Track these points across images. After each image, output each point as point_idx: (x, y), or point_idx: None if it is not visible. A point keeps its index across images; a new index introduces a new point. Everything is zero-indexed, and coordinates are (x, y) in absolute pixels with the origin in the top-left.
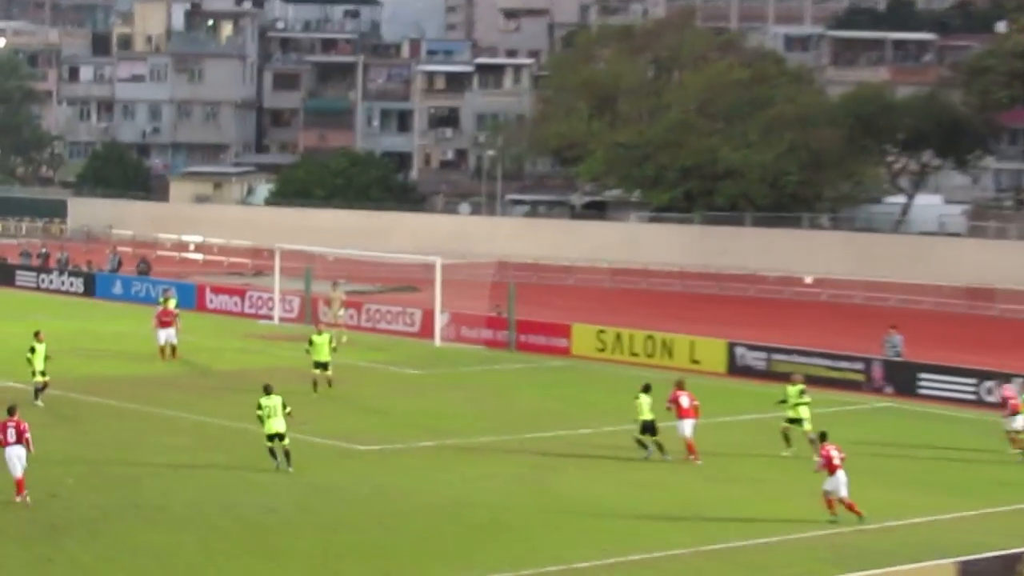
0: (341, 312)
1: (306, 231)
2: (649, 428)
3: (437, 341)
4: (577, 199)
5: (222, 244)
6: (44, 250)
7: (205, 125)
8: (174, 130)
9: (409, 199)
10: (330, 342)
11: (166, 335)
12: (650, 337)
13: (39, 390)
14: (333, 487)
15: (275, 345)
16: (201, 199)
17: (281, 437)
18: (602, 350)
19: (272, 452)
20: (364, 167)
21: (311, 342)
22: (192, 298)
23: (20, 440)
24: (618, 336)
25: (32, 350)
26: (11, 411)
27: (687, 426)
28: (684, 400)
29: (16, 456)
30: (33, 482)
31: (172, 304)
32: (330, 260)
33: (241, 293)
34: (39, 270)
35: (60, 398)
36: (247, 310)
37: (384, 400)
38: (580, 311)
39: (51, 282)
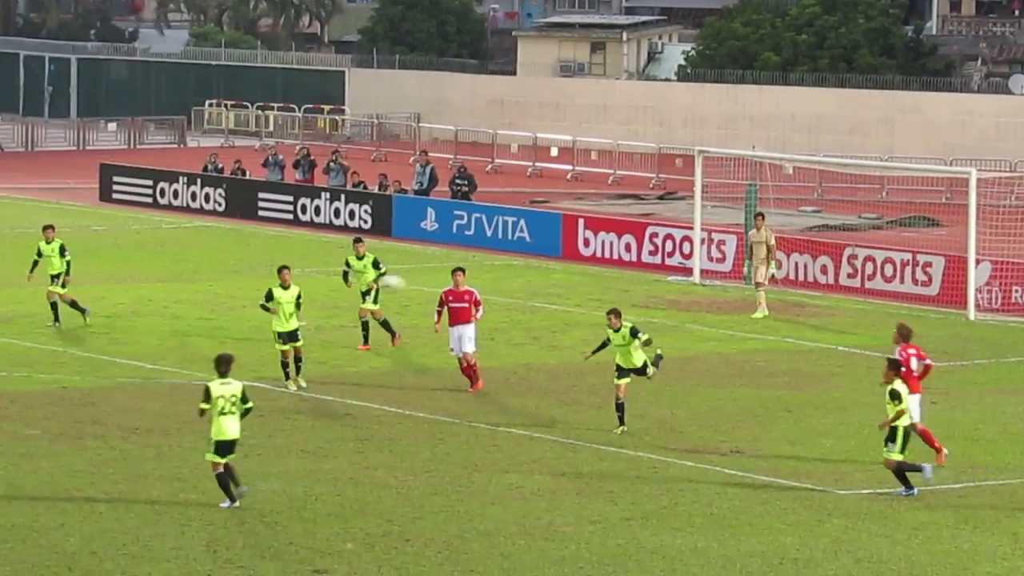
0: (772, 268)
1: (747, 122)
2: None
3: (971, 312)
4: None
5: (605, 146)
6: (304, 152)
7: None
8: None
9: (923, 68)
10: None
11: (460, 337)
12: None
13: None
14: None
15: (697, 318)
16: (569, 69)
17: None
18: None
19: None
20: (847, 14)
21: None
22: (555, 239)
23: None
24: None
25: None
26: None
27: None
28: None
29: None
30: None
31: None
32: (788, 172)
33: (637, 230)
34: (298, 191)
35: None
36: (647, 258)
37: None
38: None
39: (318, 210)
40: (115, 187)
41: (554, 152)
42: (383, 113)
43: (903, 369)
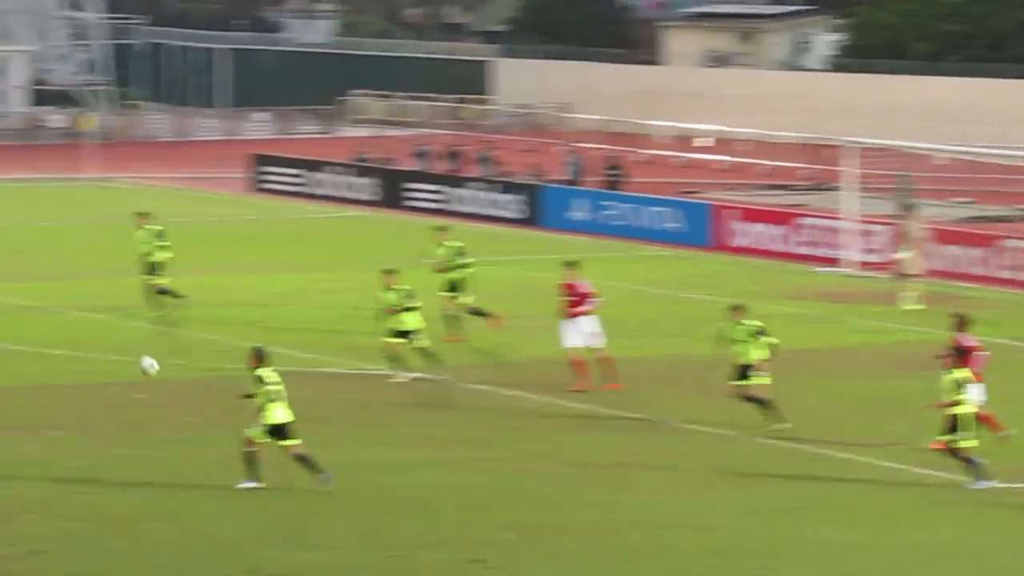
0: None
1: (897, 112)
2: None
3: None
4: None
5: (754, 136)
6: (452, 143)
7: None
8: None
9: None
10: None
11: (579, 329)
12: None
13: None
14: None
15: (849, 310)
16: (717, 59)
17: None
18: None
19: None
20: (999, 3)
21: None
22: (705, 229)
23: None
24: None
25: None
26: None
27: None
28: None
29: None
30: None
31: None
32: (941, 162)
33: (786, 220)
34: (444, 181)
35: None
36: (797, 248)
37: None
38: None
39: (462, 199)
40: (265, 176)
41: (702, 142)
42: (529, 103)
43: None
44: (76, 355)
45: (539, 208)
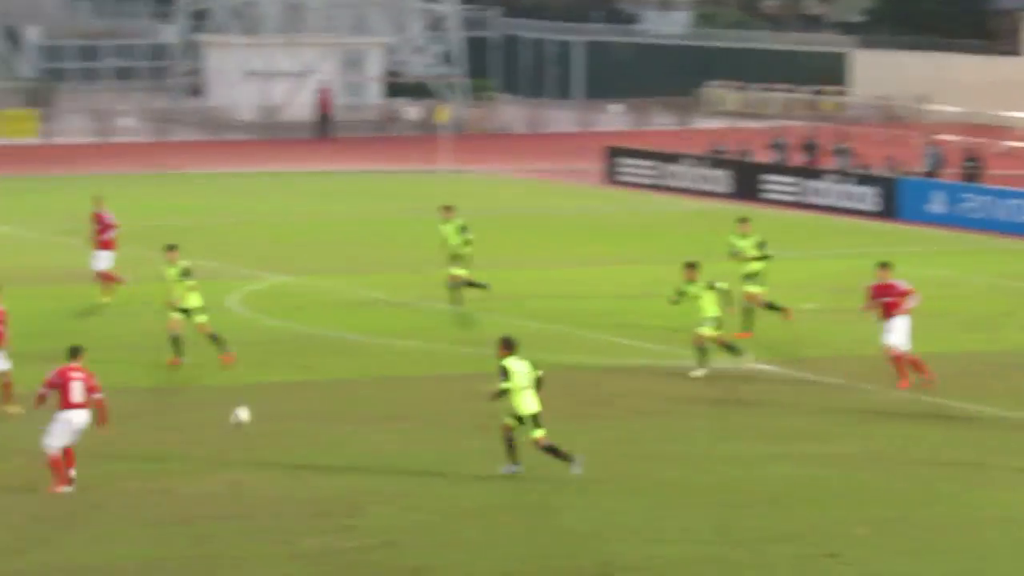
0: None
1: None
2: None
3: None
4: None
5: None
6: (809, 135)
7: None
8: None
9: None
10: None
11: (897, 328)
12: None
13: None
14: None
15: None
16: None
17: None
18: None
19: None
20: None
21: None
22: None
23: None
24: None
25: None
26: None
27: None
28: None
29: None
30: None
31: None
32: None
33: None
34: (799, 173)
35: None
36: None
37: None
38: None
39: (818, 191)
40: (620, 168)
41: None
42: (887, 94)
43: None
44: (427, 346)
45: (896, 201)
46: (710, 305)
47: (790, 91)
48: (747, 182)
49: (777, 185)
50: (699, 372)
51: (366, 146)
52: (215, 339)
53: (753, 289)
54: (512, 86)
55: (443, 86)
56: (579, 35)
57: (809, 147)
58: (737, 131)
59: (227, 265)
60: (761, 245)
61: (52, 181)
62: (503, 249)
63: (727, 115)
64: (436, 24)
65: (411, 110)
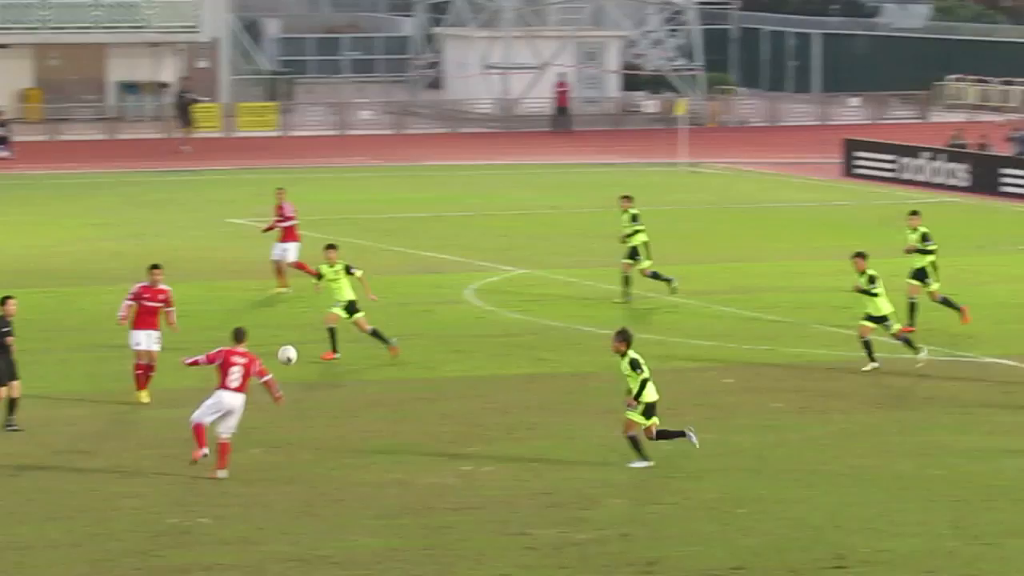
0: None
1: None
2: None
3: None
4: None
5: None
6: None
7: None
8: None
9: None
10: None
11: None
12: None
13: None
14: None
15: None
16: None
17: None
18: None
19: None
20: None
21: None
22: None
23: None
24: None
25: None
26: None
27: None
28: None
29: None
30: None
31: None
32: None
33: None
34: None
35: None
36: None
37: None
38: None
39: None
40: (858, 162)
41: None
42: None
43: None
44: (661, 339)
45: None
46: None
47: None
48: (986, 176)
49: (1016, 179)
50: (869, 367)
51: (603, 139)
52: (376, 335)
53: (916, 282)
54: (751, 79)
55: (680, 79)
56: (818, 28)
57: None
58: (976, 125)
59: (464, 258)
60: (925, 238)
61: (291, 173)
62: (739, 242)
63: (966, 108)
64: (674, 18)
65: (649, 103)
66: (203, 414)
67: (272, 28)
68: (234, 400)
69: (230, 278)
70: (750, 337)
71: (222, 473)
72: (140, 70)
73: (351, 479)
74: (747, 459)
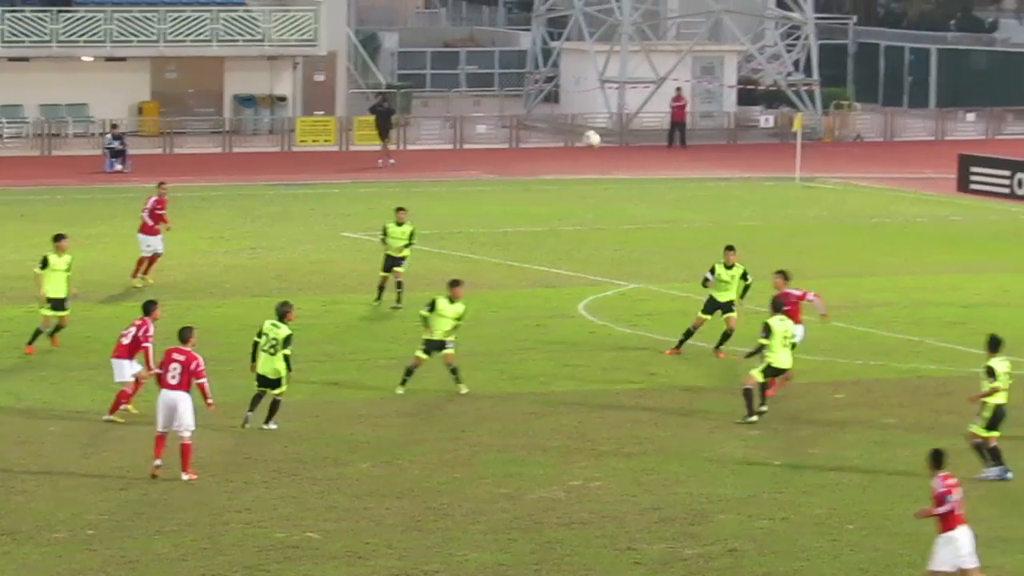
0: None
1: None
2: None
3: None
4: None
5: None
6: None
7: None
8: None
9: None
10: None
11: None
12: None
13: None
14: None
15: None
16: None
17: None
18: None
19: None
20: None
21: None
22: None
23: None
24: None
25: None
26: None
27: None
28: None
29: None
30: None
31: None
32: None
33: None
34: None
35: None
36: None
37: None
38: None
39: None
40: (973, 177)
41: None
42: None
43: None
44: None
45: None
46: None
47: None
48: None
49: None
50: None
51: (719, 153)
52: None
53: None
54: (868, 94)
55: (798, 94)
56: (935, 43)
57: None
58: None
59: (577, 272)
60: None
61: (407, 187)
62: (852, 256)
63: None
64: (792, 32)
65: (765, 118)
66: (156, 422)
67: (390, 41)
68: (174, 397)
69: (344, 292)
70: (862, 352)
71: (185, 476)
72: (257, 83)
73: (460, 493)
74: (857, 475)
